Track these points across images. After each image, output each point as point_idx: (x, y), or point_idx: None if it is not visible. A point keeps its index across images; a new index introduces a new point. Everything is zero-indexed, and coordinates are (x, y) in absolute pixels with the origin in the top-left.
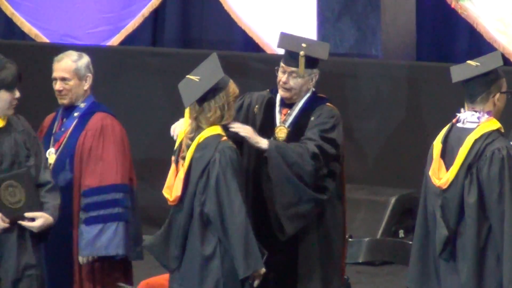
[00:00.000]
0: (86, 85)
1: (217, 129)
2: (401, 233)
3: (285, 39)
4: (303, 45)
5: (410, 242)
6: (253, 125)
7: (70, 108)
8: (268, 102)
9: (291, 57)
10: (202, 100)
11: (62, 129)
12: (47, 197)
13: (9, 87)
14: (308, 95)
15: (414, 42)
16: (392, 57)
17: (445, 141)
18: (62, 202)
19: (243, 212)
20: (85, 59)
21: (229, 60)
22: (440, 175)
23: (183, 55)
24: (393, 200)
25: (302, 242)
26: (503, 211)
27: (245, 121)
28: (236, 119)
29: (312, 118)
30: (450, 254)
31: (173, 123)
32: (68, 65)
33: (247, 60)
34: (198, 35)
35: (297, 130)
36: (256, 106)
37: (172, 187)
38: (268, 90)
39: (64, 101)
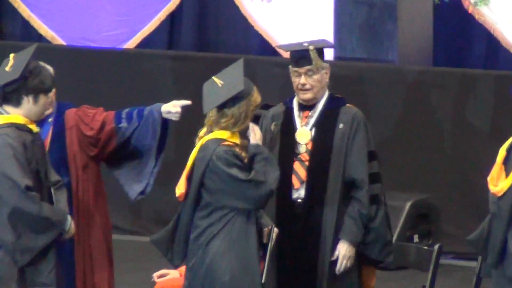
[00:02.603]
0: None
1: (223, 134)
2: (416, 238)
3: (287, 46)
4: (305, 44)
5: (425, 248)
6: (272, 142)
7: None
8: (286, 113)
9: (301, 57)
10: (221, 106)
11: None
12: (57, 195)
13: (46, 91)
14: (326, 95)
15: (431, 47)
16: (408, 62)
17: (510, 149)
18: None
19: None
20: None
21: (244, 64)
22: (498, 182)
23: (199, 59)
24: (408, 205)
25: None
26: None
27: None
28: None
29: (340, 126)
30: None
31: (188, 125)
32: None
33: (263, 64)
34: (214, 38)
35: (321, 131)
36: (273, 123)
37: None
38: (281, 103)
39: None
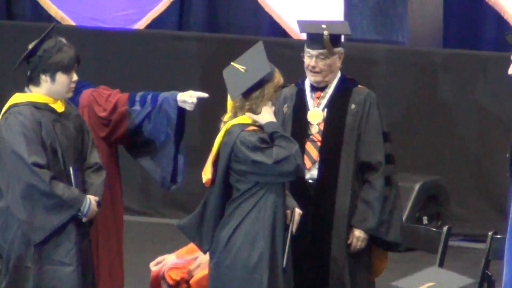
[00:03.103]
0: None
1: (247, 119)
2: (425, 220)
3: (305, 24)
4: (323, 26)
5: (434, 229)
6: (285, 123)
7: None
8: (298, 95)
9: (315, 40)
10: (248, 91)
11: None
12: (91, 177)
13: (66, 70)
14: (338, 76)
15: (441, 29)
16: (418, 44)
17: None
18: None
19: None
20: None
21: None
22: None
23: (210, 39)
24: (417, 186)
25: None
26: None
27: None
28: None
29: (352, 106)
30: None
31: (198, 108)
32: None
33: (273, 46)
34: (225, 19)
35: (333, 112)
36: (286, 105)
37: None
38: (293, 84)
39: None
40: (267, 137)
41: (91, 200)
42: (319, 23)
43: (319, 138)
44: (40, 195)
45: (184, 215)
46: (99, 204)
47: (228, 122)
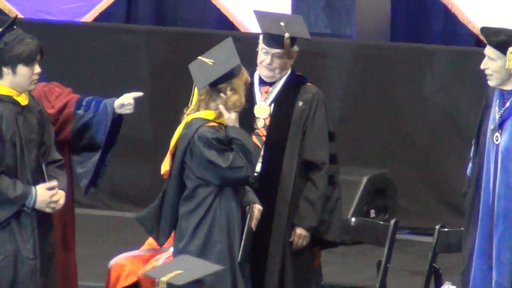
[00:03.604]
0: None
1: (210, 114)
2: (372, 213)
3: (264, 20)
4: (282, 24)
5: (381, 223)
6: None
7: None
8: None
9: (274, 40)
10: (215, 84)
11: None
12: (57, 172)
13: (27, 62)
14: (288, 73)
15: (388, 22)
16: (366, 37)
17: None
18: None
19: None
20: None
21: (202, 38)
22: None
23: (157, 33)
24: (365, 180)
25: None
26: None
27: None
28: None
29: (300, 104)
30: None
31: (147, 100)
32: None
33: (220, 39)
34: (172, 12)
35: (279, 107)
36: None
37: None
38: None
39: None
40: (225, 139)
41: (37, 190)
42: (277, 18)
43: (264, 133)
44: None
45: (132, 207)
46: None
47: (189, 114)
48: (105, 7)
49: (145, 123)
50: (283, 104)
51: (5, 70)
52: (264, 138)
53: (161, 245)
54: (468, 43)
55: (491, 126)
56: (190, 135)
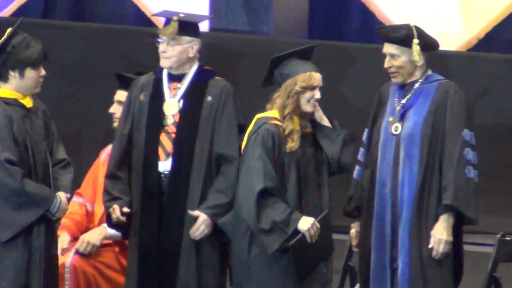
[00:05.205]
0: None
1: (274, 113)
2: None
3: (162, 12)
4: (181, 15)
5: None
6: (141, 112)
7: None
8: (155, 83)
9: (166, 26)
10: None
11: None
12: (61, 173)
13: (34, 65)
14: (195, 67)
15: (306, 20)
16: (284, 34)
17: None
18: None
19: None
20: None
21: (121, 34)
22: None
23: (75, 28)
24: None
25: None
26: None
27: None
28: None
29: (209, 98)
30: None
31: (66, 96)
32: None
33: (138, 35)
34: (91, 8)
35: (188, 103)
36: (142, 94)
37: None
38: (151, 72)
39: None
40: (282, 139)
41: (62, 198)
42: (177, 12)
43: (174, 130)
44: (10, 192)
45: None
46: (68, 200)
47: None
48: (23, 2)
49: (67, 118)
50: (192, 99)
51: (12, 73)
52: (174, 136)
53: None
54: None
55: (389, 119)
56: (252, 132)
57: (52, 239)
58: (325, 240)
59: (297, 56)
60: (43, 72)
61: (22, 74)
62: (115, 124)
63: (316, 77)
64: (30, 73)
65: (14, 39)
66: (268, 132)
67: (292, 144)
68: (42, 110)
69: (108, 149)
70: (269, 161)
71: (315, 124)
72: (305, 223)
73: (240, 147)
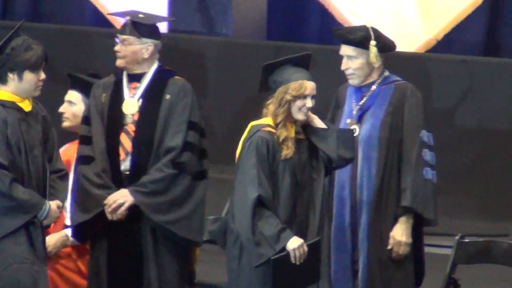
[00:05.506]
0: None
1: (268, 120)
2: None
3: (119, 12)
4: (140, 15)
5: None
6: (103, 114)
7: None
8: (115, 84)
9: (122, 27)
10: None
11: None
12: (57, 183)
13: (33, 68)
14: (154, 67)
15: (265, 21)
16: (242, 36)
17: None
18: None
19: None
20: None
21: (79, 35)
22: None
23: (34, 29)
24: None
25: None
26: None
27: (98, 114)
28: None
29: (167, 97)
30: None
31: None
32: None
33: (96, 36)
34: (49, 9)
35: (147, 102)
36: (104, 95)
37: None
38: (112, 74)
39: None
40: (276, 146)
41: (52, 206)
42: (136, 12)
43: (133, 129)
44: None
45: None
46: (59, 208)
47: (253, 122)
48: None
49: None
50: (151, 98)
51: (11, 76)
52: (133, 134)
53: None
54: None
55: (347, 121)
56: (246, 139)
57: (43, 242)
58: (312, 266)
59: (292, 64)
60: (42, 75)
61: (20, 77)
62: (65, 123)
63: (308, 86)
64: (28, 76)
65: (14, 41)
66: (263, 140)
67: (287, 151)
68: (43, 116)
69: (62, 148)
70: (264, 169)
71: (309, 130)
72: (294, 243)
73: (185, 141)
